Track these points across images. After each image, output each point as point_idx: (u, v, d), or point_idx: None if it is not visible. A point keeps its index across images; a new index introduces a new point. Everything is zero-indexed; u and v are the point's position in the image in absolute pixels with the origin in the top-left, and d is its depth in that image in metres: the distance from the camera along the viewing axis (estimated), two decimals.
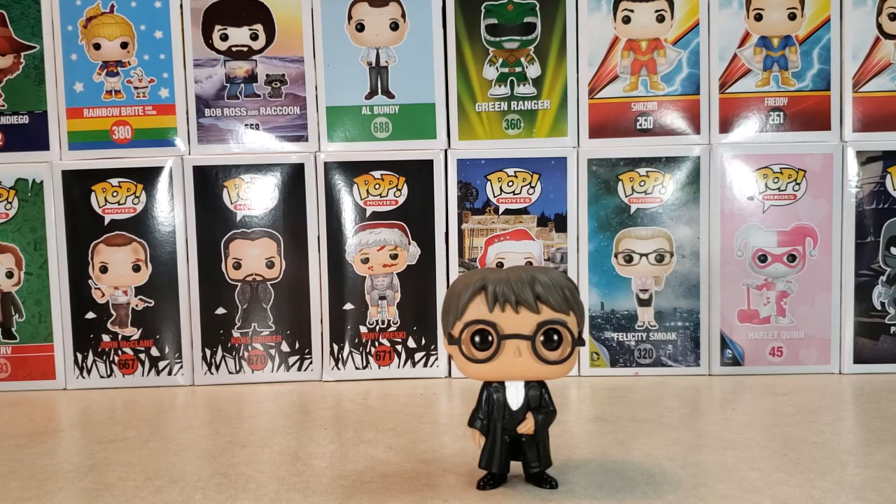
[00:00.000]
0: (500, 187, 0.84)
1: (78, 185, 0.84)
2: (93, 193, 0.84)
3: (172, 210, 0.84)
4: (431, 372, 0.85)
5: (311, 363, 0.85)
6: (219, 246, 0.84)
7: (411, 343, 0.85)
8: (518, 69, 0.84)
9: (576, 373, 0.85)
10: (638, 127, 0.84)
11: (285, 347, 0.85)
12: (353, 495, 0.53)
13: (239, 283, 0.85)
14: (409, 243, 0.85)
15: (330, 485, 0.55)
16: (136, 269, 0.84)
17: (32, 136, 0.84)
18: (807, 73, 0.83)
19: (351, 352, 0.85)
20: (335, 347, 0.85)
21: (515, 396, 0.52)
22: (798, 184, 0.83)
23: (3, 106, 0.84)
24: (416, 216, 0.85)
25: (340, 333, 0.85)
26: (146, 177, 0.84)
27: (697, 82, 0.84)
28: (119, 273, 0.84)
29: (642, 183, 0.84)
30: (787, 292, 0.84)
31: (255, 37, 0.84)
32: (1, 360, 0.85)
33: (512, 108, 0.85)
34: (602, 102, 0.84)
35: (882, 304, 0.84)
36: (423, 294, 0.85)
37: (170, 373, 0.85)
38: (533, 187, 0.84)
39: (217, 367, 0.85)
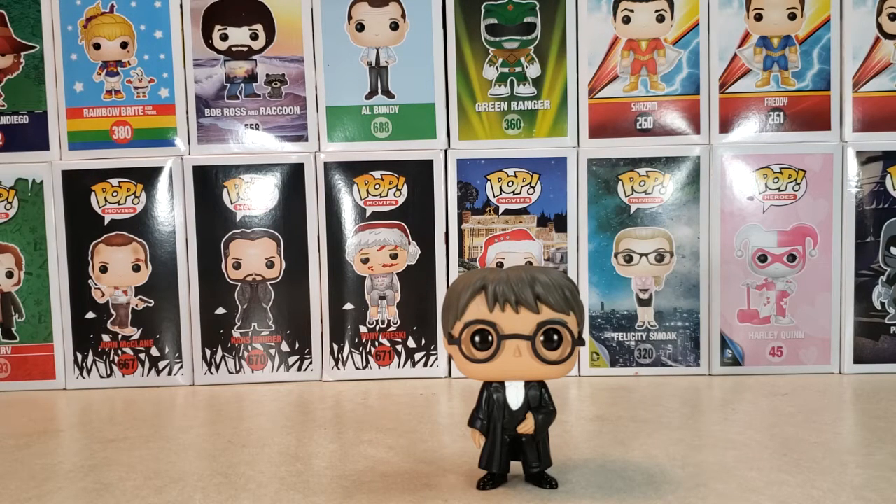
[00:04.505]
0: (500, 187, 0.84)
1: (78, 185, 0.84)
2: (93, 193, 0.84)
3: (172, 210, 0.84)
4: (431, 372, 0.85)
5: (311, 363, 0.85)
6: (219, 246, 0.84)
7: (411, 343, 0.85)
8: (518, 69, 0.84)
9: (576, 373, 0.85)
10: (638, 127, 0.84)
11: (285, 347, 0.85)
12: (353, 495, 0.53)
13: (239, 283, 0.85)
14: (409, 243, 0.85)
15: (330, 485, 0.55)
16: (136, 269, 0.84)
17: (32, 136, 0.84)
18: (807, 73, 0.83)
19: (351, 352, 0.85)
20: (335, 347, 0.85)
21: (515, 396, 0.52)
22: (798, 184, 0.83)
23: (3, 106, 0.84)
24: (416, 216, 0.85)
25: (340, 333, 0.85)
26: (146, 177, 0.84)
27: (697, 82, 0.84)
28: (119, 273, 0.84)
29: (642, 183, 0.84)
30: (787, 292, 0.84)
31: (255, 37, 0.84)
32: (1, 360, 0.85)
33: (512, 108, 0.85)
34: (602, 102, 0.84)
35: (882, 304, 0.84)
36: (423, 294, 0.85)
37: (170, 373, 0.85)
38: (533, 187, 0.84)
39: (217, 367, 0.85)
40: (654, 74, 0.84)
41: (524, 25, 0.84)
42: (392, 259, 0.85)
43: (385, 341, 0.85)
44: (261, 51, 0.84)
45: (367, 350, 0.85)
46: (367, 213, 0.84)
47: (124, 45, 0.84)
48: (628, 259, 0.84)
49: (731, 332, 0.84)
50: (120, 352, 0.85)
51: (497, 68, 0.84)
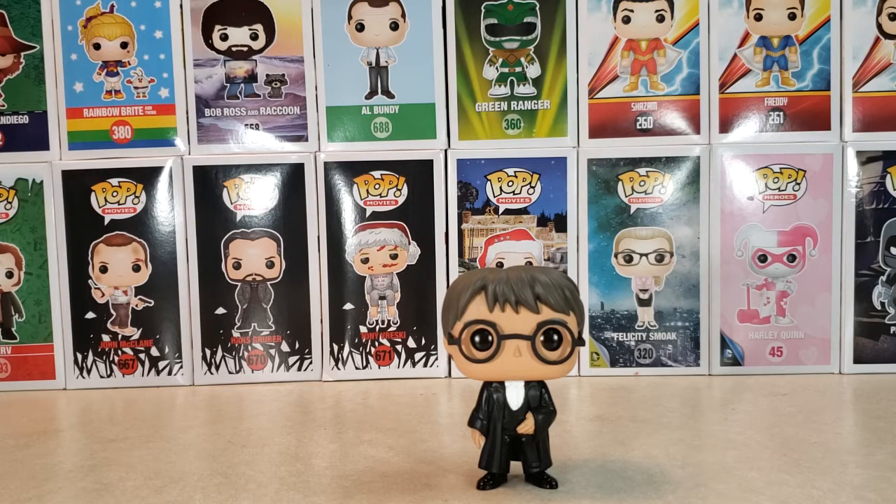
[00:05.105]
0: (500, 187, 0.84)
1: (78, 185, 0.84)
2: (93, 193, 0.84)
3: (172, 210, 0.84)
4: (431, 372, 0.85)
5: (311, 363, 0.85)
6: (219, 246, 0.84)
7: (411, 343, 0.85)
8: (518, 69, 0.84)
9: (576, 373, 0.85)
10: (638, 127, 0.84)
11: (285, 347, 0.85)
12: (353, 495, 0.53)
13: (239, 283, 0.85)
14: (409, 243, 0.85)
15: (330, 485, 0.55)
16: (136, 269, 0.84)
17: (32, 136, 0.84)
18: (807, 73, 0.83)
19: (351, 352, 0.85)
20: (335, 347, 0.85)
21: (515, 396, 0.52)
22: (798, 184, 0.83)
23: (3, 106, 0.84)
24: (416, 216, 0.85)
25: (340, 333, 0.85)
26: (146, 177, 0.84)
27: (697, 82, 0.84)
28: (119, 273, 0.84)
29: (642, 183, 0.84)
30: (787, 292, 0.84)
31: (255, 37, 0.84)
32: (1, 360, 0.85)
33: (512, 108, 0.85)
34: (602, 102, 0.84)
35: (882, 304, 0.84)
36: (423, 294, 0.85)
37: (170, 373, 0.85)
38: (533, 187, 0.84)
39: (217, 367, 0.85)
40: (654, 74, 0.84)
41: (524, 25, 0.84)
42: (392, 259, 0.85)
43: (385, 341, 0.85)
44: (261, 51, 0.84)
45: (367, 350, 0.85)
46: (367, 213, 0.84)
47: (124, 45, 0.84)
48: (628, 259, 0.84)
49: (731, 332, 0.84)
50: (120, 352, 0.85)
51: (497, 68, 0.84)
